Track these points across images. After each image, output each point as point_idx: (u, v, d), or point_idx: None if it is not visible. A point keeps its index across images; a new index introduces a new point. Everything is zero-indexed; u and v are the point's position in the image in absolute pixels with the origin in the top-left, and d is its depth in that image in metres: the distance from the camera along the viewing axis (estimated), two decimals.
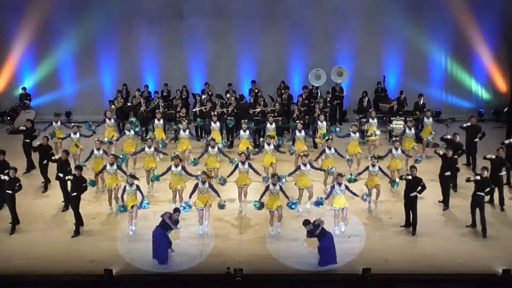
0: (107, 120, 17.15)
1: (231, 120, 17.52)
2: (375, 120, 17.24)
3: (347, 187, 13.23)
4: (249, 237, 13.23)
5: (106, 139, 16.28)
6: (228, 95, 19.53)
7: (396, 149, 14.98)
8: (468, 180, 13.36)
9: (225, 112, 18.61)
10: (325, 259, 12.08)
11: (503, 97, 21.63)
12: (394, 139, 16.32)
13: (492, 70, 21.60)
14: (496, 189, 14.17)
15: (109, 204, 14.30)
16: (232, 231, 13.50)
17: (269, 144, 15.37)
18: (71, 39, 21.17)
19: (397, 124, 18.52)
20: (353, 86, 21.38)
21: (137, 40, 21.39)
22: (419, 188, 13.15)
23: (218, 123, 16.92)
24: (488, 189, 13.19)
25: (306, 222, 12.06)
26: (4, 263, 12.20)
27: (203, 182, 13.12)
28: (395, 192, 15.04)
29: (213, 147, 15.12)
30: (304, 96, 19.56)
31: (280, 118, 18.04)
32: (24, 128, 16.63)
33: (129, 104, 19.76)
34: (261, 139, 17.77)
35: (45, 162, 15.33)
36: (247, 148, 15.98)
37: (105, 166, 14.25)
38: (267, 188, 13.21)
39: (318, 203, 13.00)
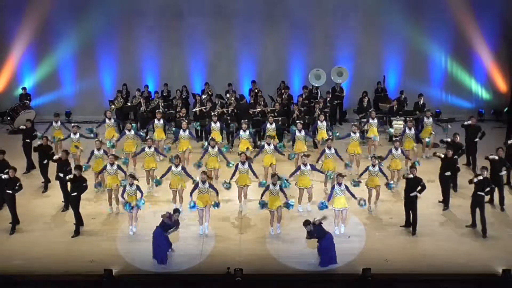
0: (107, 120, 17.16)
1: (234, 125, 17.25)
2: (375, 120, 17.23)
3: (347, 188, 13.22)
4: (249, 237, 13.23)
5: (107, 143, 16.23)
6: (228, 95, 19.54)
7: (396, 149, 14.97)
8: (471, 181, 13.32)
9: (225, 112, 18.62)
10: (325, 259, 12.08)
11: (503, 97, 21.64)
12: (394, 139, 16.33)
13: (492, 70, 21.61)
14: (496, 189, 14.19)
15: (109, 204, 14.30)
16: (232, 231, 13.50)
17: (269, 144, 15.36)
18: (71, 39, 21.17)
19: (397, 124, 18.53)
20: (353, 86, 21.39)
21: (137, 40, 21.40)
22: (419, 188, 13.15)
23: (218, 123, 16.92)
24: (488, 188, 13.19)
25: (306, 223, 12.04)
26: (4, 263, 12.19)
27: (203, 182, 13.12)
28: (395, 192, 15.04)
29: (213, 147, 15.12)
30: (304, 96, 19.56)
31: (280, 118, 18.04)
32: (24, 127, 16.65)
33: (129, 104, 19.77)
34: (261, 141, 17.75)
35: (45, 162, 15.32)
36: (247, 148, 15.99)
37: (105, 166, 14.25)
38: (267, 187, 13.21)
39: (323, 207, 13.01)
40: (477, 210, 13.26)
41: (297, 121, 16.72)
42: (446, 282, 11.61)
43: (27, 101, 20.78)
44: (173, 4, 21.11)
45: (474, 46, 21.29)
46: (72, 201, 13.45)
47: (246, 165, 14.20)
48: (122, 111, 19.63)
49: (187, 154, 16.19)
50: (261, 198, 13.26)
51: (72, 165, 14.51)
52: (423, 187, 13.18)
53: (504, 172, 14.48)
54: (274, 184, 13.08)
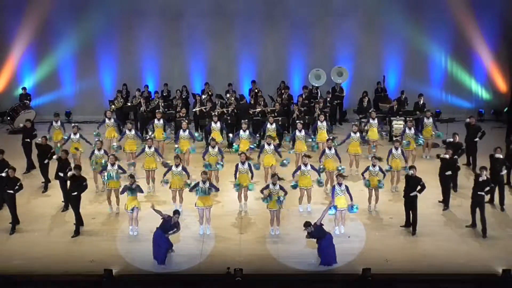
0: (107, 120, 17.16)
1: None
2: (376, 121, 17.23)
3: (347, 188, 13.23)
4: (249, 237, 13.23)
5: (114, 146, 16.24)
6: (228, 95, 19.54)
7: (396, 149, 14.97)
8: (476, 179, 13.21)
9: (225, 112, 18.62)
10: (325, 259, 12.08)
11: (503, 97, 21.63)
12: (394, 139, 16.34)
13: (492, 70, 21.60)
14: (497, 189, 14.19)
15: (108, 204, 14.30)
16: (232, 231, 13.50)
17: (269, 144, 15.36)
18: (71, 39, 21.17)
19: (397, 124, 18.54)
20: (353, 86, 21.39)
21: (137, 40, 21.40)
22: (419, 187, 13.15)
23: (218, 123, 16.91)
24: (488, 188, 13.19)
25: (307, 224, 12.03)
26: (4, 263, 12.19)
27: (204, 182, 13.12)
28: (395, 192, 15.05)
29: (213, 147, 15.12)
30: (304, 96, 19.56)
31: (280, 118, 18.05)
32: (23, 125, 16.67)
33: (129, 104, 19.77)
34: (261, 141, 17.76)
35: (45, 161, 15.32)
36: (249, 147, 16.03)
37: (106, 166, 14.25)
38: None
39: (332, 212, 13.03)
40: (477, 210, 13.26)
41: (297, 121, 16.73)
42: (446, 282, 11.61)
43: (27, 101, 20.78)
44: (173, 4, 21.11)
45: (474, 46, 21.29)
46: (72, 201, 13.45)
47: (246, 165, 14.20)
48: (122, 111, 19.62)
49: (187, 154, 16.18)
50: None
51: (72, 165, 14.51)
52: (423, 187, 13.18)
53: (504, 172, 14.47)
54: (274, 184, 13.07)
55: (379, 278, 11.35)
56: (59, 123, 16.94)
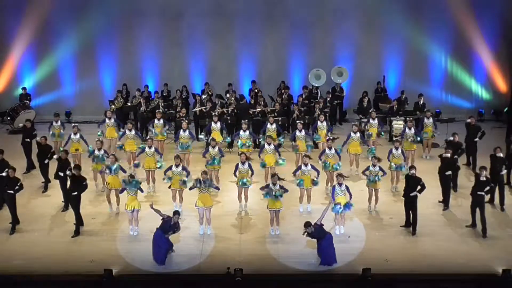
0: (107, 120, 17.16)
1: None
2: (376, 121, 17.23)
3: (347, 188, 13.23)
4: (249, 237, 13.22)
5: (118, 145, 16.29)
6: (228, 95, 19.54)
7: (397, 149, 14.97)
8: (477, 178, 13.19)
9: (225, 112, 18.62)
10: (325, 259, 12.07)
11: (503, 97, 21.64)
12: (394, 139, 16.33)
13: (492, 70, 21.61)
14: (497, 189, 14.19)
15: (108, 203, 14.31)
16: (232, 231, 13.50)
17: (269, 144, 15.36)
18: (71, 39, 21.18)
19: (397, 124, 18.54)
20: (353, 86, 21.39)
21: (137, 40, 21.40)
22: (419, 187, 13.15)
23: (218, 123, 16.91)
24: (487, 187, 13.19)
25: (307, 224, 12.02)
26: (4, 263, 12.19)
27: (204, 182, 13.09)
28: (395, 192, 15.05)
29: (213, 147, 15.12)
30: (304, 96, 19.56)
31: (280, 118, 18.04)
32: (22, 125, 16.68)
33: (129, 104, 19.77)
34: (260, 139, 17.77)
35: (45, 161, 15.32)
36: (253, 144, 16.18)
37: (105, 166, 14.26)
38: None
39: (336, 210, 13.01)
40: (477, 210, 13.26)
41: (297, 121, 16.73)
42: (446, 282, 11.60)
43: (27, 101, 20.79)
44: (173, 4, 21.11)
45: (474, 46, 21.29)
46: (72, 201, 13.45)
47: (246, 165, 14.19)
48: (122, 111, 19.63)
49: (187, 154, 16.17)
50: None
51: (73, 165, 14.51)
52: (423, 187, 13.18)
53: (504, 171, 14.47)
54: (274, 184, 13.07)
55: (379, 278, 11.35)
56: (59, 123, 16.95)
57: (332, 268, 12.02)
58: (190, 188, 13.41)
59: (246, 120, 16.94)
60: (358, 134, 16.13)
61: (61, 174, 14.16)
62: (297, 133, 16.18)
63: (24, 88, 21.06)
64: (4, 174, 13.27)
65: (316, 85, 20.80)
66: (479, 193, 13.15)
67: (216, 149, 15.15)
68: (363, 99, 19.79)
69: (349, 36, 21.29)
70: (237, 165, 14.26)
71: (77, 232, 13.27)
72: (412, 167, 13.54)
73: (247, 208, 14.40)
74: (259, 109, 18.61)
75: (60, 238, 13.18)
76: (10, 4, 20.94)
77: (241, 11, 21.13)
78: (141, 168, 15.35)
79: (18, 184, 13.35)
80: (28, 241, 13.05)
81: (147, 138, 16.11)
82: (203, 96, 19.62)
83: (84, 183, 13.42)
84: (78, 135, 16.03)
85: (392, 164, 14.94)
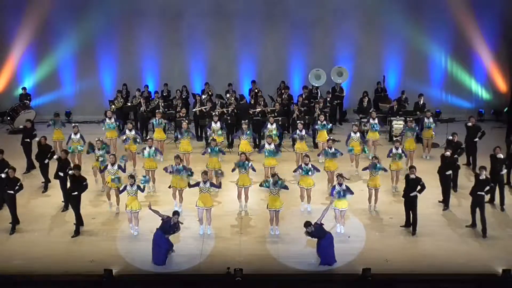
0: (107, 120, 17.15)
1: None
2: (376, 121, 17.23)
3: (347, 188, 13.22)
4: (249, 237, 13.22)
5: (128, 140, 16.20)
6: (228, 95, 19.54)
7: (397, 149, 14.97)
8: (477, 178, 13.18)
9: (225, 112, 18.62)
10: (325, 259, 12.08)
11: (503, 97, 21.63)
12: (394, 139, 16.33)
13: (492, 70, 21.60)
14: (497, 189, 14.19)
15: (107, 199, 14.32)
16: (232, 231, 13.50)
17: (269, 144, 15.36)
18: (71, 39, 21.16)
19: (397, 124, 18.55)
20: (353, 86, 21.39)
21: (137, 40, 21.39)
22: (419, 187, 13.15)
23: (218, 123, 16.90)
24: (487, 187, 13.18)
25: (307, 224, 12.03)
26: (4, 263, 12.19)
27: (204, 182, 13.12)
28: (395, 192, 15.05)
29: (213, 147, 15.12)
30: (304, 96, 19.56)
31: (280, 118, 18.04)
32: (23, 126, 16.66)
33: (129, 104, 19.77)
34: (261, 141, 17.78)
35: (45, 161, 15.32)
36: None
37: (106, 166, 14.26)
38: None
39: (337, 192, 13.01)
40: (477, 210, 13.26)
41: (297, 121, 16.74)
42: (446, 282, 11.61)
43: (27, 101, 20.77)
44: (173, 4, 21.10)
45: (474, 46, 21.28)
46: (72, 201, 13.45)
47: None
48: (122, 111, 19.62)
49: (187, 154, 16.16)
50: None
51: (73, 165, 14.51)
52: (423, 187, 13.18)
53: (504, 171, 14.47)
54: (274, 184, 13.07)
55: (379, 278, 11.35)
56: (78, 135, 16.69)
57: (332, 268, 12.03)
58: (190, 186, 13.41)
59: (246, 121, 16.93)
60: (358, 134, 16.13)
61: (61, 174, 14.16)
62: (297, 132, 16.18)
63: (24, 88, 21.05)
64: (3, 175, 13.25)
65: (316, 85, 20.80)
66: (479, 193, 13.15)
67: (216, 149, 15.13)
68: (363, 99, 19.80)
69: (349, 36, 21.28)
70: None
71: (77, 232, 13.27)
72: (412, 167, 13.53)
73: (247, 208, 14.41)
74: (259, 109, 18.60)
75: (60, 238, 13.18)
76: (10, 4, 20.92)
77: (241, 11, 21.12)
78: (141, 168, 15.36)
79: (18, 184, 13.35)
80: (28, 241, 13.05)
81: (147, 138, 16.10)
82: (203, 96, 19.61)
83: (84, 183, 13.42)
84: (78, 135, 16.02)
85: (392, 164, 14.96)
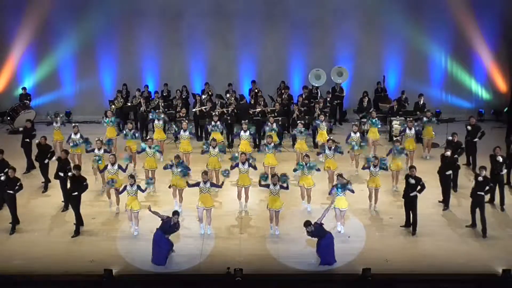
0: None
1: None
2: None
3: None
4: (249, 237, 13.23)
5: (132, 135, 16.24)
6: (228, 95, 19.53)
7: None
8: (476, 179, 13.19)
9: (225, 112, 18.62)
10: (324, 259, 12.08)
11: (503, 97, 21.63)
12: (394, 139, 16.33)
13: (492, 70, 21.60)
14: (497, 189, 14.18)
15: (108, 198, 14.34)
16: (232, 231, 13.50)
17: (269, 144, 15.35)
18: (71, 39, 21.16)
19: (397, 124, 18.55)
20: (353, 86, 21.38)
21: (137, 40, 21.39)
22: (419, 187, 13.15)
23: (218, 123, 16.90)
24: (487, 188, 13.18)
25: (307, 224, 12.04)
26: (4, 263, 12.19)
27: (205, 182, 13.12)
28: (395, 192, 15.05)
29: (214, 147, 15.12)
30: (304, 96, 19.56)
31: (280, 118, 18.04)
32: (23, 127, 16.66)
33: (129, 104, 19.77)
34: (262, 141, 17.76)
35: (45, 161, 15.32)
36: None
37: (106, 166, 14.26)
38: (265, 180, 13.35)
39: (340, 187, 13.03)
40: (477, 210, 13.26)
41: (297, 121, 16.74)
42: (446, 282, 11.61)
43: (27, 101, 20.77)
44: (173, 4, 21.10)
45: (474, 46, 21.28)
46: (72, 201, 13.45)
47: (246, 165, 14.20)
48: (122, 111, 19.63)
49: (187, 154, 16.16)
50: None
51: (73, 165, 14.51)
52: (423, 187, 13.18)
53: (504, 171, 14.47)
54: (274, 184, 13.07)
55: (379, 278, 11.35)
56: (78, 135, 16.71)
57: (332, 268, 12.03)
58: (189, 185, 13.48)
59: (246, 121, 16.93)
60: (358, 134, 16.13)
61: (61, 174, 14.16)
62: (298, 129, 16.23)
63: (24, 88, 21.05)
64: (2, 178, 13.22)
65: (316, 85, 20.79)
66: (479, 193, 13.15)
67: (217, 149, 15.13)
68: (363, 99, 19.79)
69: (349, 36, 21.28)
70: (237, 164, 14.25)
71: (77, 232, 13.27)
72: (411, 167, 13.53)
73: (247, 208, 14.41)
74: (259, 109, 18.60)
75: (60, 238, 13.19)
76: (10, 4, 20.92)
77: (241, 11, 21.12)
78: (141, 168, 15.37)
79: (18, 184, 13.35)
80: (28, 241, 13.05)
81: (147, 138, 16.10)
82: (203, 96, 19.61)
83: (84, 183, 13.42)
84: (78, 135, 16.01)
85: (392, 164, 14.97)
